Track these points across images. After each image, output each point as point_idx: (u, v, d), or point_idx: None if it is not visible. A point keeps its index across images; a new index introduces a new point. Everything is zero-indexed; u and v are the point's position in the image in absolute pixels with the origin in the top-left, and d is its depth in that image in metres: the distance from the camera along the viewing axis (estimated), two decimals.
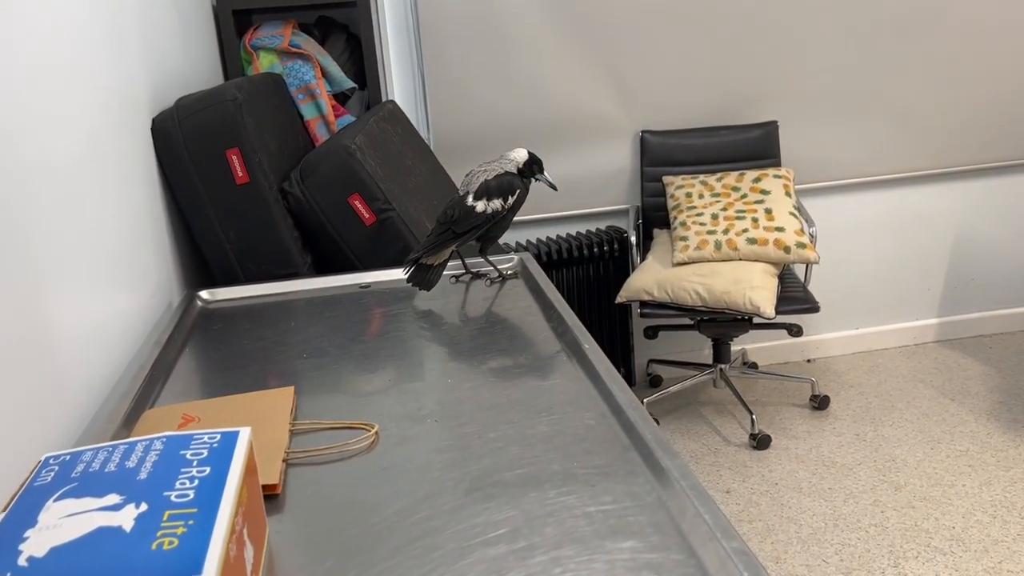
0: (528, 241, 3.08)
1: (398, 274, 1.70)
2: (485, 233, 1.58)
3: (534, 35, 2.88)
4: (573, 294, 3.04)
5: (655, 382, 3.32)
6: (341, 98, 2.65)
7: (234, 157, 1.66)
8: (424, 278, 1.54)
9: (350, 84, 2.56)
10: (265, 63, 2.49)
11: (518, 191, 1.57)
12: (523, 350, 1.29)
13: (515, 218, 3.05)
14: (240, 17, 2.55)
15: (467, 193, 1.56)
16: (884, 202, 3.31)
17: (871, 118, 3.15)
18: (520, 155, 1.59)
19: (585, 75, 2.95)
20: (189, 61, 2.15)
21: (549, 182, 1.63)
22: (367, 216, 1.76)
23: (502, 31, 2.86)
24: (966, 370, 3.24)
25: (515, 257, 1.73)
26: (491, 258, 1.71)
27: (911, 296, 3.45)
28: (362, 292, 1.63)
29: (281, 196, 1.77)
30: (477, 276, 1.67)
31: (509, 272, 1.66)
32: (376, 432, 1.06)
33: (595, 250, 3.01)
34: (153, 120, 1.67)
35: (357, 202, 1.75)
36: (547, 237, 3.11)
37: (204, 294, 1.63)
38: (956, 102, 3.17)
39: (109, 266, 1.36)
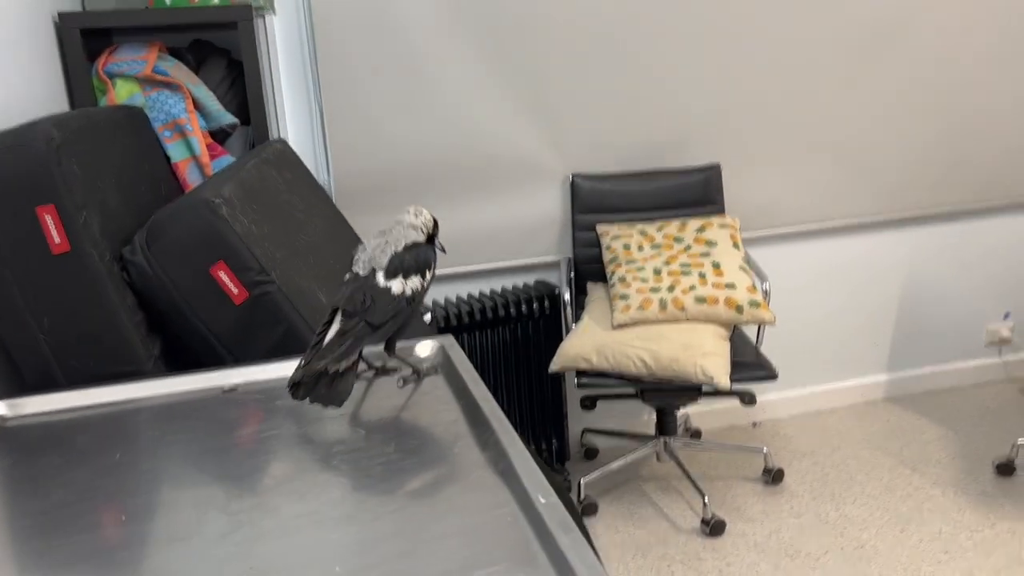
0: (447, 299, 2.69)
1: (275, 370, 1.28)
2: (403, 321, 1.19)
3: (451, 65, 2.52)
4: (499, 358, 2.66)
5: (590, 454, 2.95)
6: (221, 136, 2.22)
7: (48, 217, 1.23)
8: (331, 391, 1.09)
9: (230, 119, 2.14)
10: (123, 93, 2.04)
11: (433, 264, 1.20)
12: (445, 498, 0.90)
13: None
14: (93, 38, 2.10)
15: (373, 271, 1.17)
16: (831, 251, 3.06)
17: (818, 161, 2.90)
18: (426, 217, 1.23)
19: (509, 112, 2.60)
20: (11, 91, 1.70)
21: (441, 246, 1.27)
22: (236, 292, 1.34)
23: (413, 61, 2.48)
24: (922, 432, 2.99)
25: (434, 343, 1.34)
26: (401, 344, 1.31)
27: (858, 351, 3.20)
28: (225, 398, 1.21)
29: (120, 267, 1.34)
30: (382, 372, 1.27)
31: (426, 367, 1.27)
32: None
33: (523, 308, 2.64)
34: None
35: (222, 273, 1.33)
36: (468, 294, 2.73)
37: (0, 408, 1.18)
38: (905, 143, 2.95)
39: None
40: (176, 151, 2.05)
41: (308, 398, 1.08)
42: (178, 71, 2.09)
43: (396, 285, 1.17)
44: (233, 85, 2.24)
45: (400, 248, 1.20)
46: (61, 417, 1.17)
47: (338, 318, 1.13)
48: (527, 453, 0.95)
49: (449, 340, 1.32)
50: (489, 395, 1.11)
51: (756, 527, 2.49)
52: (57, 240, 1.23)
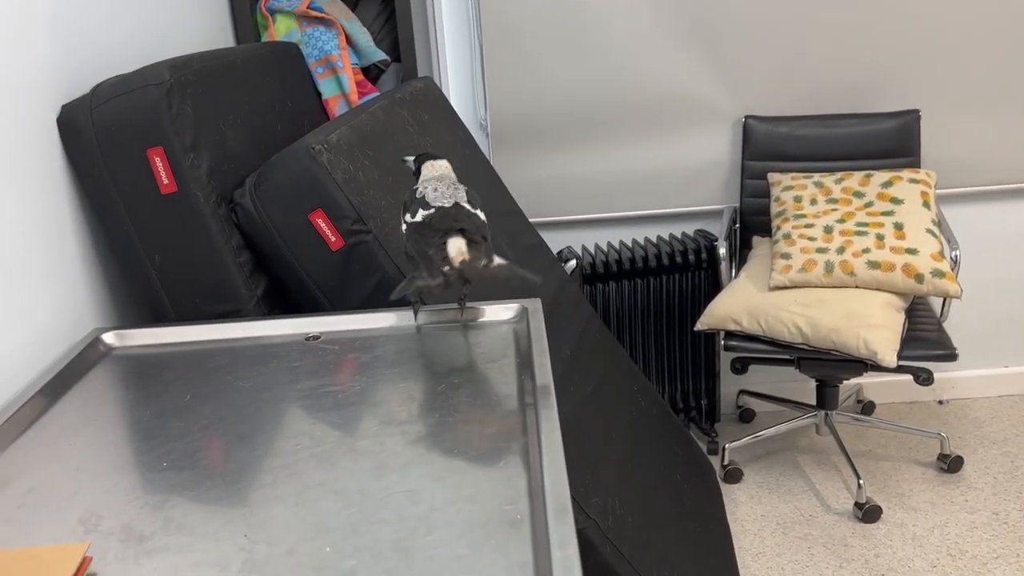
0: (596, 245, 2.60)
1: (359, 321, 1.28)
2: None
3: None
4: (649, 310, 2.55)
5: (746, 416, 2.79)
6: (375, 73, 2.24)
7: (157, 159, 1.28)
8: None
9: (381, 56, 2.15)
10: (282, 29, 2.10)
11: None
12: (460, 485, 0.85)
13: (581, 217, 2.59)
14: None
15: (457, 204, 1.17)
16: None
17: None
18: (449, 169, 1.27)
19: (678, 46, 2.42)
20: (181, 27, 1.79)
21: None
22: (333, 239, 1.34)
23: None
24: None
25: (516, 306, 1.27)
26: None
27: None
28: (307, 346, 1.23)
29: (230, 208, 1.38)
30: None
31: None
32: None
33: (678, 259, 2.50)
34: (61, 108, 1.31)
35: (320, 220, 1.34)
36: (620, 241, 2.62)
37: (109, 338, 1.27)
38: None
39: None
40: (327, 88, 2.09)
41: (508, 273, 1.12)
42: (333, 7, 2.12)
43: (481, 215, 1.18)
44: (388, 20, 2.24)
45: (467, 187, 1.21)
46: (157, 351, 1.24)
47: (456, 237, 1.13)
48: (560, 447, 0.88)
49: (534, 304, 1.26)
50: (549, 374, 1.04)
51: (918, 518, 2.25)
52: (166, 181, 1.29)
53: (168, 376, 1.15)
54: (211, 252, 1.33)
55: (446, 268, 1.11)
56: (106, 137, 1.27)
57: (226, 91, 1.49)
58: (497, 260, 1.13)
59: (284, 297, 1.44)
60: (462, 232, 1.13)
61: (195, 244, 1.32)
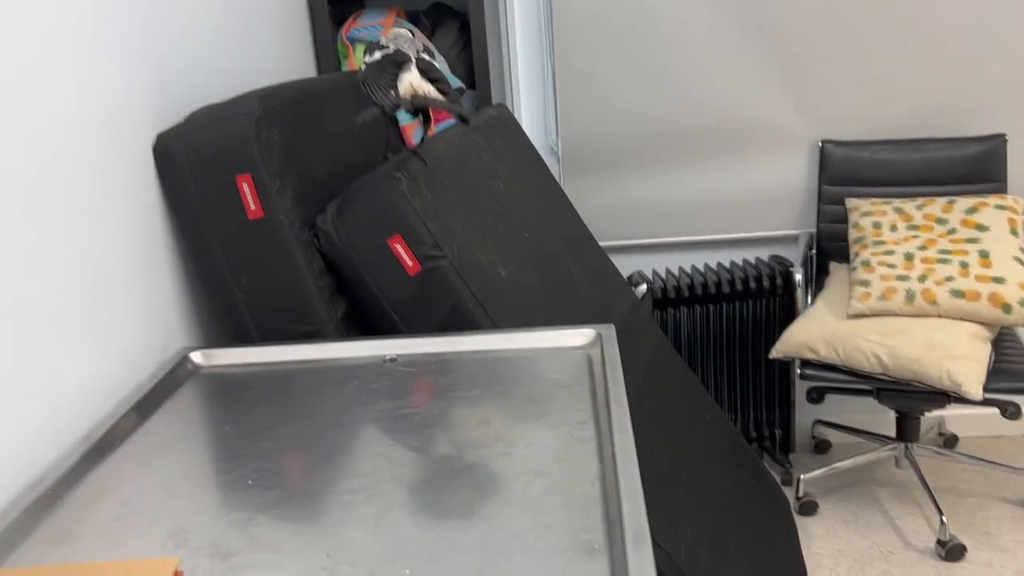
0: (668, 269, 2.58)
1: (436, 344, 1.30)
2: None
3: (692, 23, 2.37)
4: (721, 337, 2.52)
5: (822, 447, 2.72)
6: None
7: (245, 186, 1.33)
8: None
9: (456, 83, 2.18)
10: (361, 58, 2.16)
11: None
12: (538, 512, 0.86)
13: (652, 241, 2.58)
14: (341, 5, 2.24)
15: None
16: None
17: None
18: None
19: (753, 71, 2.40)
20: (265, 58, 1.86)
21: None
22: (410, 264, 1.37)
23: (651, 20, 2.36)
24: None
25: (591, 331, 1.28)
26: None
27: None
28: (384, 368, 1.25)
29: (312, 233, 1.42)
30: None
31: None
32: None
33: (751, 284, 2.47)
34: (157, 136, 1.37)
35: (399, 246, 1.37)
36: (692, 266, 2.60)
37: (197, 357, 1.32)
38: None
39: (53, 322, 1.07)
40: (404, 115, 2.13)
41: None
42: None
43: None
44: (464, 48, 2.28)
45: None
46: (242, 371, 1.28)
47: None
48: (637, 475, 0.88)
49: (608, 330, 1.26)
50: (624, 401, 1.04)
51: (1007, 559, 2.15)
52: (253, 207, 1.33)
53: (252, 396, 1.19)
54: (294, 276, 1.37)
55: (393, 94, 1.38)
56: (198, 164, 1.33)
57: (310, 119, 1.54)
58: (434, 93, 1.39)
59: (363, 320, 1.47)
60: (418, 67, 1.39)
61: (279, 268, 1.36)
